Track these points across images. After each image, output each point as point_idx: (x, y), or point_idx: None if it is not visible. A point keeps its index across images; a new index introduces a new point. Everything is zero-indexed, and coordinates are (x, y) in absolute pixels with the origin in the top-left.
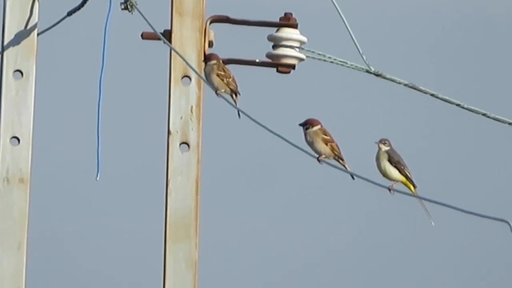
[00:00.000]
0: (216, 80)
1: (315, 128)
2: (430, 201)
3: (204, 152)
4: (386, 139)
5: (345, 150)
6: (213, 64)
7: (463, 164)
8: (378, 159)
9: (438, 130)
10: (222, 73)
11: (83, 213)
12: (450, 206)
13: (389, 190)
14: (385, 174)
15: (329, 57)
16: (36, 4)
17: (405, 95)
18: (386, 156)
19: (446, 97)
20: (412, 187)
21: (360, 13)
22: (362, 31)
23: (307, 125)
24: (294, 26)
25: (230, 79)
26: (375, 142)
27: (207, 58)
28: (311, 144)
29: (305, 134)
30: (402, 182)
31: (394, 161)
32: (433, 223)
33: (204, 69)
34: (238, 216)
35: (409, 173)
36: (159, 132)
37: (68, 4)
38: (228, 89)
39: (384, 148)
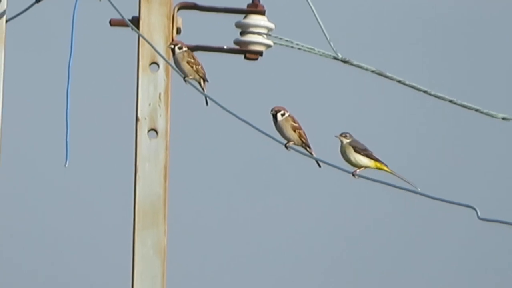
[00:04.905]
0: (186, 67)
1: (286, 115)
2: (399, 188)
3: (172, 138)
4: (346, 132)
5: (312, 136)
6: (184, 52)
7: (431, 149)
8: (344, 152)
9: (405, 116)
10: (192, 60)
11: (52, 200)
12: (419, 193)
13: (353, 175)
14: (355, 165)
15: (297, 44)
16: None
17: (372, 81)
18: (351, 148)
19: (413, 84)
20: (385, 168)
21: None
22: (330, 17)
23: (277, 112)
24: (262, 12)
25: (199, 67)
26: (335, 136)
27: (175, 45)
28: (280, 130)
29: (276, 121)
30: (374, 167)
31: (361, 150)
32: (419, 189)
33: (174, 56)
34: (207, 202)
35: (377, 157)
36: (128, 118)
37: None
38: (197, 76)
39: (346, 140)
